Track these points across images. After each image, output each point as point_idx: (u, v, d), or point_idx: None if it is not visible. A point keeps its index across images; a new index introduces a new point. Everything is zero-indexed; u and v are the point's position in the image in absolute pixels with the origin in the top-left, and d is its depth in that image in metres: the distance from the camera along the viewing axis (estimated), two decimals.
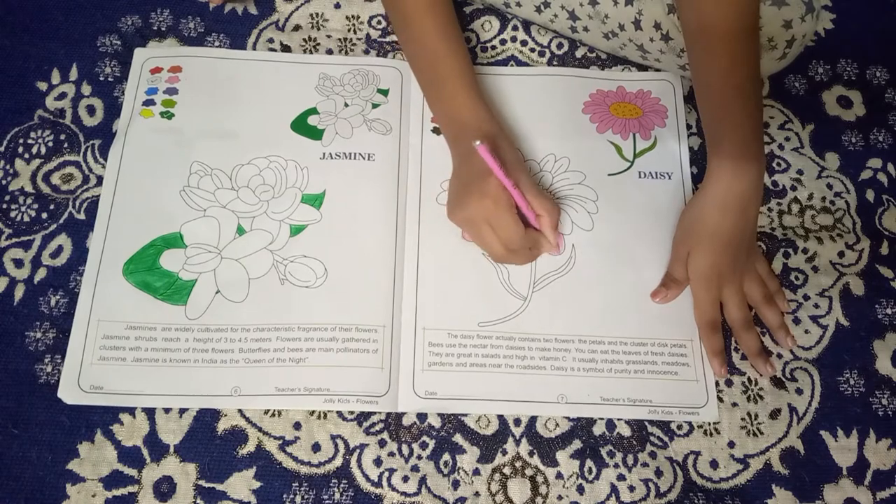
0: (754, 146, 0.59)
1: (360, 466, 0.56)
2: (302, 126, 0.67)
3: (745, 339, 0.60)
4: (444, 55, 0.63)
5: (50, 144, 0.66)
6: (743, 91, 0.58)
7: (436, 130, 0.68)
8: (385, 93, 0.69)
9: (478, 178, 0.58)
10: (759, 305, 0.61)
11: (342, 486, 0.56)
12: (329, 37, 0.73)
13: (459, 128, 0.62)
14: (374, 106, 0.69)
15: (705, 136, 0.62)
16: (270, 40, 0.72)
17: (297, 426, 0.57)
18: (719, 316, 0.61)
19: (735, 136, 0.58)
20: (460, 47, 0.64)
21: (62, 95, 0.68)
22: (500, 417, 0.58)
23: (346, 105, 0.69)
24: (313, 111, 0.68)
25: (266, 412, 0.57)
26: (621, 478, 0.57)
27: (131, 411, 0.57)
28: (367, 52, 0.72)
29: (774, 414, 0.60)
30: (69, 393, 0.57)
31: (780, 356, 0.62)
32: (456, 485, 0.56)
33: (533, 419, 0.59)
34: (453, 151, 0.64)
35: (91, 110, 0.68)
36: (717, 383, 0.60)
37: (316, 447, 0.57)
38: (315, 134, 0.67)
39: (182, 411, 0.57)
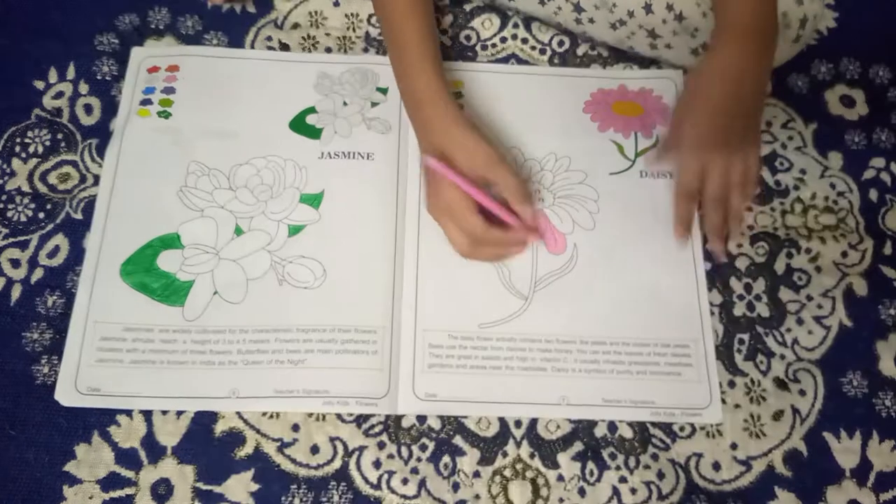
0: (762, 17, 0.58)
1: (359, 469, 0.56)
2: (300, 125, 0.67)
3: (712, 215, 0.60)
4: (411, 37, 0.62)
5: (47, 144, 0.66)
6: None
7: None
8: (384, 91, 0.69)
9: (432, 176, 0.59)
10: (733, 187, 0.60)
11: (341, 488, 0.55)
12: (328, 35, 0.72)
13: (418, 113, 0.62)
14: (373, 104, 0.68)
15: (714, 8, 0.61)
16: (269, 38, 0.72)
17: (296, 428, 0.57)
18: (699, 186, 0.60)
19: (741, 7, 0.58)
20: (428, 29, 0.63)
21: (59, 94, 0.68)
22: (501, 419, 0.58)
23: (345, 104, 0.68)
24: (312, 110, 0.68)
25: (264, 414, 0.57)
26: (623, 480, 0.57)
27: (129, 413, 0.57)
28: (366, 51, 0.72)
29: (777, 415, 0.59)
30: (66, 395, 0.56)
31: (782, 357, 0.61)
32: (456, 487, 0.56)
33: (534, 421, 0.58)
34: (417, 135, 0.63)
35: (88, 109, 0.67)
36: (719, 385, 0.60)
37: (314, 449, 0.56)
38: (314, 133, 0.67)
39: (180, 413, 0.57)
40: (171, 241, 0.62)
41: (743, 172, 0.60)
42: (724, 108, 0.58)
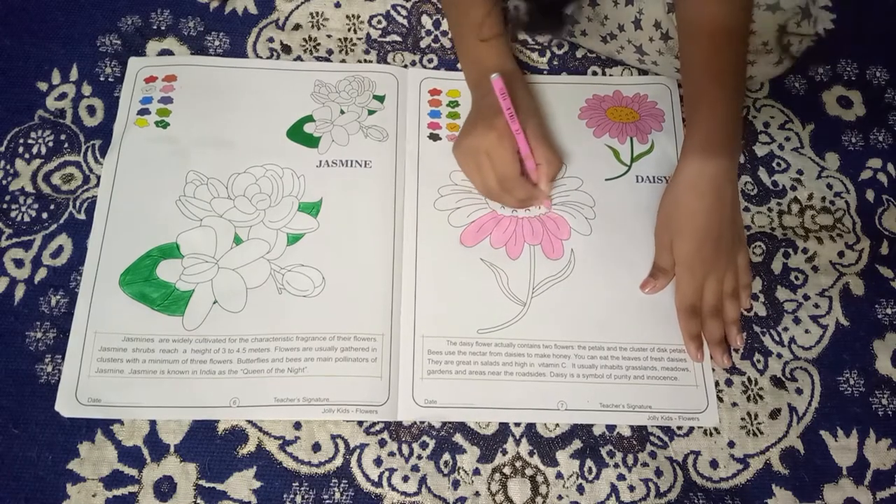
0: (724, 135, 0.59)
1: (360, 466, 0.56)
2: (298, 134, 0.67)
3: (711, 325, 0.61)
4: (474, 18, 0.65)
5: (50, 144, 0.66)
6: (720, 81, 0.59)
7: (433, 137, 0.68)
8: (381, 99, 0.69)
9: (489, 112, 0.61)
10: (725, 297, 0.61)
11: (342, 485, 0.56)
12: (329, 36, 0.73)
13: (478, 69, 0.65)
14: (370, 112, 0.68)
15: (685, 126, 0.63)
16: (270, 39, 0.72)
17: (298, 426, 0.57)
18: (700, 301, 0.61)
19: (708, 124, 0.59)
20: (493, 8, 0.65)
21: (62, 95, 0.68)
22: None
23: (342, 112, 0.68)
24: (309, 119, 0.68)
25: None
26: (621, 478, 0.57)
27: None
28: (367, 52, 0.72)
29: (774, 414, 0.60)
30: (67, 406, 0.56)
31: (780, 356, 0.62)
32: (456, 484, 0.56)
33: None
34: (473, 95, 0.66)
35: (91, 110, 0.68)
36: (716, 383, 0.60)
37: (316, 447, 0.57)
38: (311, 142, 0.67)
39: None
40: (170, 251, 0.62)
41: (734, 281, 0.61)
42: (710, 224, 0.60)
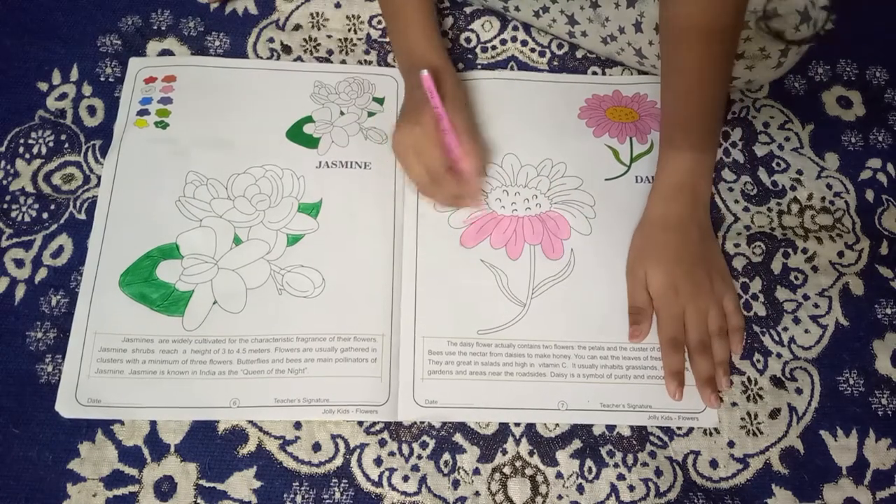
0: (691, 183, 0.62)
1: (360, 466, 0.56)
2: (297, 135, 0.67)
3: (698, 362, 0.59)
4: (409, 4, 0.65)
5: (51, 144, 0.66)
6: (691, 125, 0.60)
7: None
8: (381, 101, 0.69)
9: (416, 108, 0.61)
10: (713, 335, 0.60)
11: (342, 485, 0.56)
12: (329, 37, 0.73)
13: (410, 60, 0.65)
14: (370, 114, 0.69)
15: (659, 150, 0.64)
16: (271, 40, 0.72)
17: (298, 426, 0.57)
18: (682, 334, 0.60)
19: (673, 171, 0.62)
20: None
21: (63, 96, 0.68)
22: None
23: (342, 113, 0.68)
24: (309, 120, 0.68)
25: None
26: (621, 477, 0.57)
27: None
28: (367, 53, 0.72)
29: (774, 413, 0.60)
30: (67, 406, 0.56)
31: (779, 356, 0.62)
32: (456, 484, 0.56)
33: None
34: (405, 84, 0.66)
35: (92, 111, 0.68)
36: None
37: (316, 447, 0.57)
38: (311, 143, 0.67)
39: None
40: (169, 252, 0.62)
41: (721, 319, 0.61)
42: (679, 255, 0.61)
